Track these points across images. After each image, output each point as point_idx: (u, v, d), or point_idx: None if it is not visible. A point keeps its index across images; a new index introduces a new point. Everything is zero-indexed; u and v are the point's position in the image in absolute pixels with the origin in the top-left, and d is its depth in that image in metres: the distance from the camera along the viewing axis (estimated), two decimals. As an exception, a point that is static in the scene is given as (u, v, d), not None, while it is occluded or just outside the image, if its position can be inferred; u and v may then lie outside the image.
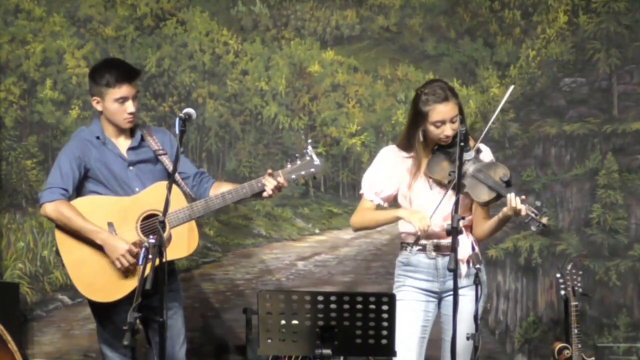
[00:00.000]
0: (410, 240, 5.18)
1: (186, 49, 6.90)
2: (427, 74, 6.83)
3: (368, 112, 6.92)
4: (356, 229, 5.41)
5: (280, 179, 5.40)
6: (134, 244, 5.32)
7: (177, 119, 5.03)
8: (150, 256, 4.70)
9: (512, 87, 5.20)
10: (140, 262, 4.77)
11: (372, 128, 6.92)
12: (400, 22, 6.93)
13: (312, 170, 5.45)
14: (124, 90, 5.44)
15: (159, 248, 4.71)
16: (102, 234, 5.35)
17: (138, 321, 4.60)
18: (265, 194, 5.42)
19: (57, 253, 5.47)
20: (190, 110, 5.08)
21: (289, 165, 5.45)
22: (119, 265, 5.31)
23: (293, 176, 5.44)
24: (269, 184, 5.39)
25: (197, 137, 6.88)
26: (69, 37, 6.84)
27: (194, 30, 6.90)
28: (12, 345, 5.40)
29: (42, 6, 6.84)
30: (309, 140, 5.62)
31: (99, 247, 5.36)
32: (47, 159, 6.81)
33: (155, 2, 6.89)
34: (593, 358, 6.32)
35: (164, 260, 4.74)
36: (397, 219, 5.18)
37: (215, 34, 6.91)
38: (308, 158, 5.44)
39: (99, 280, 5.36)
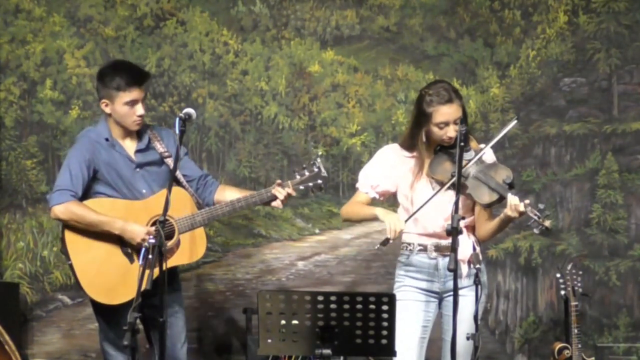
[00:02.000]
0: (390, 237, 5.02)
1: (186, 49, 6.89)
2: (427, 74, 6.83)
3: (368, 112, 6.92)
4: (343, 219, 5.47)
5: (290, 190, 5.47)
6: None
7: (177, 119, 5.03)
8: (150, 256, 4.70)
9: (514, 122, 5.19)
10: (140, 262, 4.78)
11: (372, 128, 6.92)
12: (400, 22, 6.92)
13: (319, 181, 5.52)
14: (134, 93, 5.42)
15: (159, 248, 4.71)
16: (118, 222, 5.33)
17: (138, 321, 4.60)
18: (275, 204, 5.48)
19: (64, 252, 5.45)
20: (190, 110, 5.08)
21: (297, 177, 5.50)
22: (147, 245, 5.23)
23: (301, 187, 5.50)
24: (279, 194, 5.44)
25: (197, 137, 6.88)
26: (69, 37, 6.84)
27: (194, 30, 6.90)
28: (10, 346, 5.39)
29: (42, 6, 6.84)
30: (319, 153, 5.66)
31: (109, 249, 5.36)
32: (47, 159, 6.81)
33: (155, 2, 6.89)
34: (593, 358, 6.32)
35: (167, 262, 4.75)
36: (374, 216, 5.14)
37: (215, 34, 6.91)
38: (316, 170, 5.51)
39: (106, 283, 5.35)
